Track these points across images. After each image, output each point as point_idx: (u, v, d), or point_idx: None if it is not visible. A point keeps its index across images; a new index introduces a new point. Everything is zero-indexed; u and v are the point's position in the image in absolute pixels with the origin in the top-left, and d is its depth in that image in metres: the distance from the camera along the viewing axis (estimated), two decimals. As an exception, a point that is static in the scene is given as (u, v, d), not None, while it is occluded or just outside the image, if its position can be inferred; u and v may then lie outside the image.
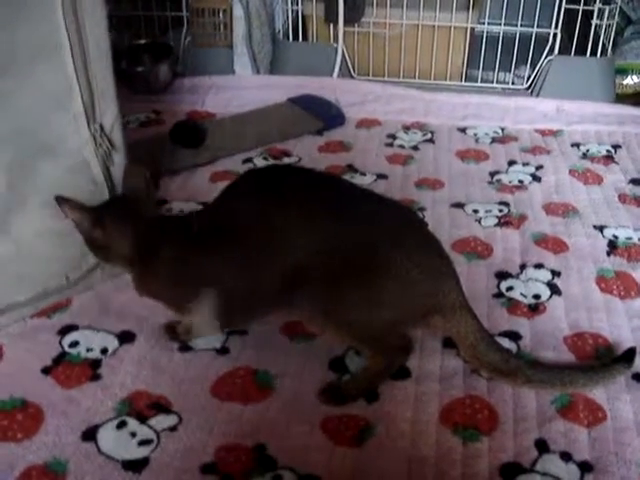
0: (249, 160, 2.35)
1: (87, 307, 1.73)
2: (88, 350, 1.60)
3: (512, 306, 1.75)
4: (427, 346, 1.62)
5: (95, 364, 1.57)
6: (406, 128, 2.62)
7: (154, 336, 1.65)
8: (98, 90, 1.63)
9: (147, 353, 1.60)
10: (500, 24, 2.86)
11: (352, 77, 2.93)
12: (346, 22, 2.81)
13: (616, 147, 2.51)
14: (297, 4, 2.89)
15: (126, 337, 1.64)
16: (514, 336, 1.65)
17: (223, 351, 1.61)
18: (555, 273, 1.86)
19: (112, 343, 1.62)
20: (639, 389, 1.52)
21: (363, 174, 2.31)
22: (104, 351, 1.60)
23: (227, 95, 2.78)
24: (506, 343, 1.62)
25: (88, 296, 1.76)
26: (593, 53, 2.82)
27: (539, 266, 1.88)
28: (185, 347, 1.62)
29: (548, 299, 1.77)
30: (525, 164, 2.38)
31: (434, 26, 2.85)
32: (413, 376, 1.55)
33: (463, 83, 2.95)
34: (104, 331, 1.66)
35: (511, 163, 2.39)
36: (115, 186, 1.73)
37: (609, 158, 2.44)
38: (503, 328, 1.68)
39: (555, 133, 2.60)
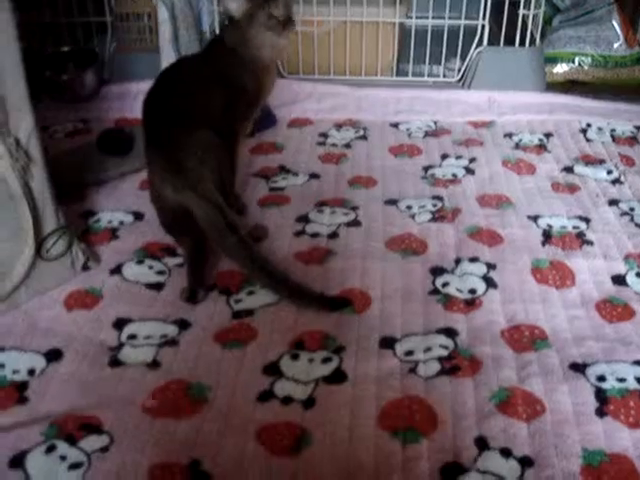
0: (179, 166, 2.29)
1: (12, 327, 1.67)
2: (14, 372, 1.55)
3: (448, 302, 1.73)
4: (362, 346, 1.60)
5: (22, 387, 1.51)
6: (338, 126, 2.59)
7: (82, 352, 1.60)
8: (10, 103, 1.57)
9: (75, 371, 1.55)
10: (428, 17, 2.83)
11: (282, 76, 2.88)
12: (273, 21, 2.77)
13: (548, 136, 2.52)
14: (219, 3, 2.83)
15: (53, 355, 1.59)
16: (451, 333, 1.64)
17: (154, 365, 1.56)
18: (490, 266, 1.85)
19: (39, 363, 1.57)
20: (576, 379, 1.51)
21: (295, 174, 2.28)
22: (31, 372, 1.55)
23: (156, 100, 2.72)
24: (443, 340, 1.62)
25: (13, 315, 1.70)
26: (522, 43, 2.82)
27: (474, 260, 1.87)
28: (115, 362, 1.57)
29: (484, 293, 1.76)
30: (458, 157, 2.37)
31: (362, 22, 2.82)
32: (349, 379, 1.52)
33: (394, 78, 2.92)
34: (31, 351, 1.60)
35: (444, 157, 2.38)
36: (35, 201, 1.67)
37: (541, 147, 2.44)
38: (440, 325, 1.66)
39: (487, 124, 2.60)
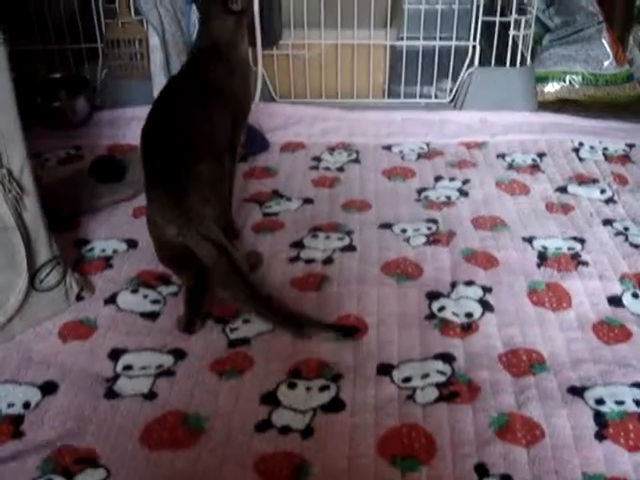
0: (172, 192, 2.29)
1: (7, 359, 1.66)
2: (9, 406, 1.53)
3: (444, 327, 1.72)
4: (360, 374, 1.59)
5: (17, 420, 1.50)
6: (331, 149, 2.59)
7: (78, 384, 1.58)
8: (2, 134, 1.57)
9: (71, 403, 1.53)
10: (419, 39, 2.84)
11: (274, 100, 2.89)
12: (264, 45, 2.77)
13: (541, 155, 2.52)
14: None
15: (49, 388, 1.57)
16: (448, 358, 1.63)
17: (151, 396, 1.55)
18: (486, 289, 1.84)
19: (35, 396, 1.55)
20: (575, 403, 1.51)
21: (289, 199, 2.27)
22: (26, 405, 1.53)
23: (148, 126, 2.71)
24: (440, 366, 1.61)
25: (8, 347, 1.69)
26: (513, 63, 2.83)
27: (470, 283, 1.87)
28: (111, 393, 1.56)
29: (480, 317, 1.76)
30: (452, 179, 2.37)
31: (353, 45, 2.83)
32: (347, 408, 1.51)
33: (386, 100, 2.92)
34: (26, 384, 1.59)
35: (438, 179, 2.38)
36: (29, 231, 1.66)
37: (535, 167, 2.45)
38: (436, 350, 1.65)
39: (480, 145, 2.60)
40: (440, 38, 2.84)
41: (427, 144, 2.62)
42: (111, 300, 1.84)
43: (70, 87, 2.78)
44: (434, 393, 1.54)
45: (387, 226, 2.12)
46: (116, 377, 1.60)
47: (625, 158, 2.51)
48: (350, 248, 2.02)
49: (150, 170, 1.78)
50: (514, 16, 2.75)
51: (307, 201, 2.27)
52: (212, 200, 1.75)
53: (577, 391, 1.53)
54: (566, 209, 2.19)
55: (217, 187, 1.81)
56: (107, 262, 1.98)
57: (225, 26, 1.92)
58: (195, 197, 1.70)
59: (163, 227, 1.71)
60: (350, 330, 1.72)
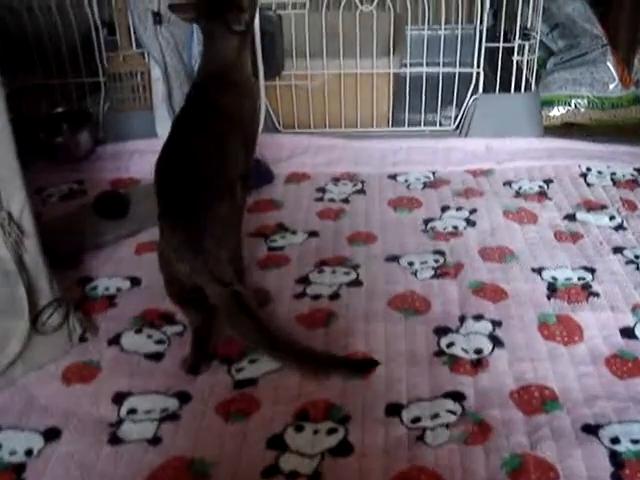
0: (176, 227, 2.27)
1: (9, 405, 1.62)
2: (11, 454, 1.50)
3: (454, 364, 1.69)
4: (368, 415, 1.56)
5: (19, 469, 1.46)
6: (335, 180, 2.57)
7: (81, 429, 1.55)
8: (1, 177, 1.55)
9: (74, 450, 1.50)
10: (422, 66, 2.82)
11: (278, 131, 2.87)
12: (267, 77, 2.75)
13: (548, 182, 2.49)
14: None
15: (52, 434, 1.54)
16: (458, 397, 1.59)
17: (155, 441, 1.52)
18: (496, 323, 1.81)
19: (37, 443, 1.52)
20: (589, 442, 1.47)
21: (294, 232, 2.25)
22: (29, 452, 1.50)
23: (151, 159, 2.63)
24: (450, 405, 1.57)
25: (10, 392, 1.66)
26: (517, 88, 2.80)
27: (479, 317, 1.83)
28: (115, 439, 1.52)
29: (490, 352, 1.72)
30: (459, 209, 2.34)
31: (356, 74, 2.81)
32: (356, 451, 1.47)
33: (390, 128, 2.90)
34: (28, 430, 1.55)
35: (444, 209, 2.35)
36: (30, 274, 1.64)
37: (542, 194, 2.42)
38: (446, 389, 1.62)
39: (486, 172, 2.58)
40: (444, 64, 2.82)
41: (433, 173, 2.59)
42: (115, 341, 1.81)
43: (73, 121, 2.77)
44: (445, 434, 1.50)
45: (394, 259, 2.09)
46: (120, 422, 1.57)
47: (633, 183, 2.48)
48: (357, 283, 1.99)
49: (165, 205, 1.73)
50: (518, 41, 2.73)
51: (312, 234, 2.24)
52: (227, 240, 1.71)
53: (591, 429, 1.49)
54: (575, 238, 2.16)
55: (232, 225, 1.76)
56: (110, 301, 1.95)
57: (229, 47, 1.83)
58: (211, 238, 1.65)
59: (176, 265, 1.67)
60: (365, 364, 1.69)
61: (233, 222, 1.78)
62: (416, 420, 1.54)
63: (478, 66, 2.77)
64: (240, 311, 1.64)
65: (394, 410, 1.57)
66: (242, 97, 1.87)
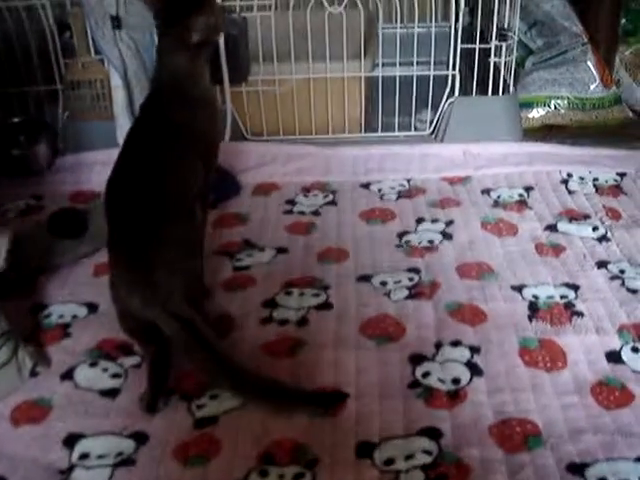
0: (136, 246, 2.15)
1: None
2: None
3: (430, 396, 1.58)
4: (337, 457, 1.44)
5: (-42, 526, 1.35)
6: (306, 190, 2.45)
7: (29, 478, 1.43)
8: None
9: (20, 503, 1.39)
10: (395, 67, 2.71)
11: (245, 139, 2.75)
12: (232, 82, 2.64)
13: (528, 189, 2.39)
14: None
15: (-4, 483, 1.42)
16: (434, 434, 1.48)
17: (106, 493, 1.40)
18: (474, 350, 1.70)
19: (-20, 492, 1.40)
20: (576, 483, 1.36)
21: (261, 250, 2.13)
22: (-30, 505, 1.38)
23: (112, 170, 2.57)
24: (426, 443, 1.46)
25: (-47, 436, 1.54)
26: (495, 91, 2.70)
27: (456, 343, 1.73)
28: (64, 489, 1.41)
29: (468, 382, 1.61)
30: (434, 220, 2.23)
31: (326, 78, 2.69)
32: (324, 500, 1.36)
33: (363, 134, 2.79)
34: (-29, 478, 1.44)
35: (419, 220, 2.24)
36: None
37: (522, 203, 2.31)
38: (421, 424, 1.51)
39: (463, 180, 2.47)
40: (418, 64, 2.71)
41: (408, 180, 2.48)
42: (68, 375, 1.68)
43: (30, 132, 2.64)
44: (420, 477, 1.39)
45: (366, 278, 1.97)
46: (71, 468, 1.45)
47: (617, 189, 2.38)
48: (326, 306, 1.87)
49: (114, 232, 1.62)
50: (495, 42, 2.63)
51: (281, 251, 2.12)
52: (182, 267, 1.59)
53: (577, 469, 1.39)
54: (557, 251, 2.06)
55: (189, 249, 1.64)
56: (65, 330, 1.83)
57: (183, 60, 1.71)
58: (163, 269, 1.54)
59: (127, 298, 1.56)
60: (333, 398, 1.58)
61: (191, 245, 1.66)
62: (389, 462, 1.42)
63: (454, 68, 2.66)
64: (197, 345, 1.52)
65: (365, 450, 1.45)
66: (198, 109, 1.76)
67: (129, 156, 1.69)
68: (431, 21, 2.72)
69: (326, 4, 2.59)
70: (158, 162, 1.66)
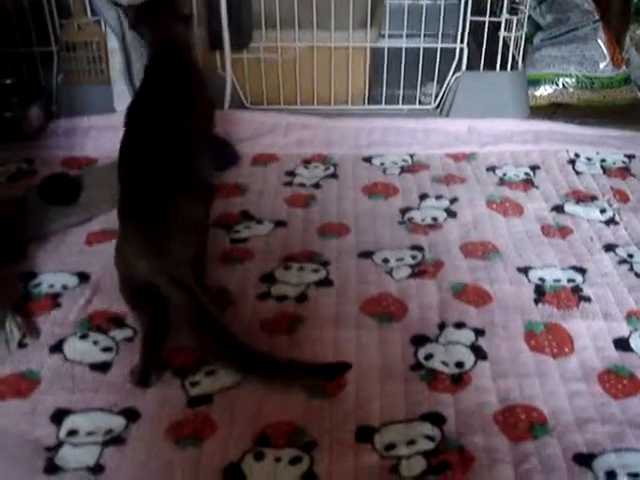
0: (131, 215, 2.08)
1: None
2: None
3: (433, 379, 1.53)
4: (336, 440, 1.39)
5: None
6: (306, 162, 2.39)
7: (15, 455, 1.38)
8: None
9: (6, 479, 1.33)
10: (401, 39, 2.64)
11: (245, 107, 2.68)
12: (233, 48, 2.56)
13: (534, 168, 2.33)
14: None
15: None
16: (437, 419, 1.43)
17: (97, 469, 1.34)
18: (478, 332, 1.66)
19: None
20: (582, 475, 1.32)
21: (260, 222, 2.07)
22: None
23: (108, 137, 2.45)
24: (428, 429, 1.42)
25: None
26: (503, 67, 2.63)
27: (460, 325, 1.68)
28: (52, 467, 1.35)
29: (473, 366, 1.57)
30: (438, 197, 2.17)
31: (330, 47, 2.62)
32: (322, 485, 1.31)
33: (366, 106, 2.72)
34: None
35: (423, 197, 2.18)
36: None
37: (528, 182, 2.26)
38: (424, 409, 1.46)
39: (468, 157, 2.41)
40: (425, 36, 2.64)
41: (411, 156, 2.42)
42: (57, 348, 1.63)
43: (23, 94, 2.56)
44: (422, 464, 1.34)
45: (367, 255, 1.91)
46: (59, 445, 1.40)
47: (625, 171, 2.33)
48: (326, 282, 1.82)
49: (130, 198, 1.62)
50: (505, 16, 2.55)
51: (279, 224, 2.06)
52: (192, 239, 1.60)
53: (584, 460, 1.35)
54: (564, 232, 2.01)
55: (199, 223, 1.65)
56: (55, 300, 1.77)
57: (180, 31, 1.87)
58: (175, 239, 1.54)
59: (134, 261, 1.54)
60: (335, 369, 1.54)
61: (202, 219, 1.66)
62: (390, 447, 1.38)
63: (462, 41, 2.59)
64: (199, 316, 1.49)
65: (365, 434, 1.41)
66: (201, 75, 1.88)
67: (143, 123, 1.72)
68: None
69: (334, -30, 2.51)
70: (173, 131, 1.69)
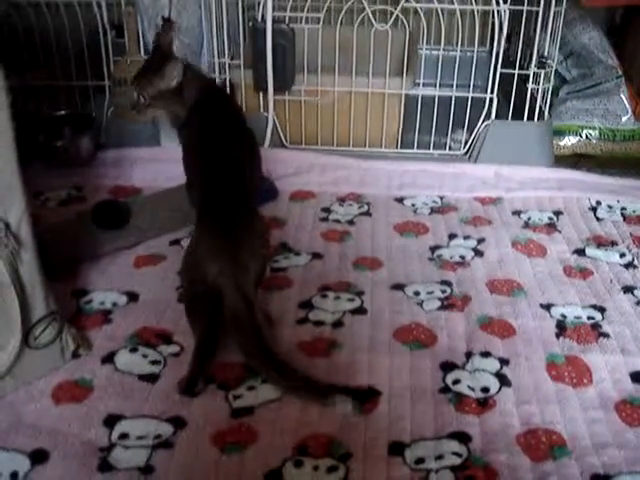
0: (176, 242, 2.20)
1: (-4, 421, 1.56)
2: (-5, 476, 1.43)
3: (460, 402, 1.63)
4: (370, 453, 1.49)
5: (3, 493, 1.40)
6: (341, 200, 2.51)
7: (70, 453, 1.48)
8: (0, 185, 1.48)
9: (62, 476, 1.43)
10: (435, 87, 2.77)
11: (284, 147, 2.81)
12: (276, 90, 2.70)
13: (558, 214, 2.44)
14: (225, 72, 2.76)
15: (39, 457, 1.47)
16: (463, 438, 1.53)
17: (147, 470, 1.45)
18: (503, 361, 1.75)
19: (23, 465, 1.45)
20: (599, 496, 1.41)
21: (298, 254, 2.18)
22: (14, 476, 1.42)
23: (154, 168, 2.62)
24: (456, 446, 1.51)
25: (-4, 408, 1.59)
26: (530, 117, 2.75)
27: (486, 354, 1.77)
28: (105, 466, 1.45)
29: (497, 392, 1.66)
30: (466, 237, 2.28)
31: (367, 93, 2.75)
32: (356, 494, 1.41)
33: (399, 150, 2.84)
34: (14, 450, 1.48)
35: (452, 236, 2.29)
36: (24, 287, 1.57)
37: (551, 226, 2.36)
38: (452, 429, 1.56)
39: (495, 201, 2.52)
40: (457, 85, 2.77)
41: (440, 198, 2.53)
42: (109, 359, 1.74)
43: (75, 125, 2.71)
44: (449, 477, 1.44)
45: (399, 287, 2.03)
46: (111, 446, 1.50)
47: (644, 219, 2.43)
48: (361, 311, 1.93)
49: (211, 206, 1.84)
50: (534, 69, 2.68)
51: (316, 256, 2.18)
52: (258, 258, 1.80)
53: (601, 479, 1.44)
54: (585, 274, 2.11)
55: (263, 241, 1.91)
56: (106, 317, 1.89)
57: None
58: (248, 251, 1.75)
59: (206, 263, 1.71)
60: (367, 394, 1.64)
61: (264, 237, 1.94)
62: (420, 461, 1.47)
63: (492, 91, 2.71)
64: (252, 328, 1.65)
65: (397, 449, 1.50)
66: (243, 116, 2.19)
67: (217, 148, 1.96)
68: (466, 45, 2.79)
69: (374, 21, 2.65)
70: (239, 151, 1.97)
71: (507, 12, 2.61)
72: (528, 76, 2.71)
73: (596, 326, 1.89)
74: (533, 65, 2.67)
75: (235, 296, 1.65)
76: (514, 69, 2.73)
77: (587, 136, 2.96)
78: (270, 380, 1.64)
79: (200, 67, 2.09)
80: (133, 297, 1.96)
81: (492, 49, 2.71)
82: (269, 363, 1.62)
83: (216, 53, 2.71)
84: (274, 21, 2.59)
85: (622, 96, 2.96)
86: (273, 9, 2.60)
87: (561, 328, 1.88)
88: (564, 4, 2.61)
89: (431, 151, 2.84)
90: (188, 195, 2.02)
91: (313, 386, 1.62)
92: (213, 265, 1.69)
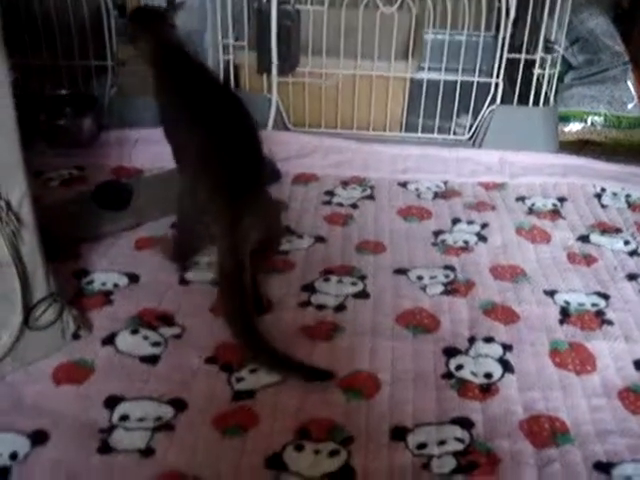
0: (178, 223, 2.19)
1: (-5, 402, 1.55)
2: (-4, 455, 1.42)
3: (462, 388, 1.62)
4: (372, 438, 1.49)
5: (3, 473, 1.38)
6: (344, 183, 2.49)
7: (70, 434, 1.48)
8: (2, 165, 1.47)
9: (62, 456, 1.43)
10: (440, 71, 2.75)
11: (287, 129, 2.79)
12: (280, 72, 2.68)
13: (562, 200, 2.43)
14: (228, 53, 2.74)
15: (39, 437, 1.46)
16: (466, 423, 1.53)
17: (148, 452, 1.44)
18: (506, 347, 1.75)
19: (23, 446, 1.44)
20: (603, 482, 1.40)
21: (300, 237, 2.17)
22: (13, 456, 1.42)
23: (156, 149, 2.57)
24: (458, 432, 1.50)
25: (-3, 388, 1.58)
26: (536, 102, 2.73)
27: (489, 340, 1.77)
28: (105, 447, 1.45)
29: (500, 378, 1.66)
30: (470, 222, 2.27)
31: (372, 76, 2.73)
32: (358, 476, 1.40)
33: (403, 134, 2.83)
34: (14, 431, 1.48)
35: (455, 221, 2.28)
36: (25, 267, 1.56)
37: (555, 213, 2.35)
38: (454, 414, 1.55)
39: (499, 186, 2.50)
40: (462, 70, 2.75)
41: (444, 182, 2.52)
42: (109, 340, 1.73)
43: (77, 105, 2.69)
44: (452, 463, 1.43)
45: (402, 272, 2.02)
46: (111, 428, 1.49)
47: (649, 207, 2.42)
48: (363, 295, 1.92)
49: (223, 162, 1.82)
50: (540, 54, 2.66)
51: (319, 239, 2.16)
52: (261, 224, 1.81)
53: (604, 467, 1.43)
54: (589, 261, 2.10)
55: (275, 210, 2.04)
56: (107, 297, 1.88)
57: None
58: (251, 216, 1.76)
59: (205, 204, 1.78)
60: (321, 374, 1.62)
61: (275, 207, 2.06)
62: (422, 446, 1.47)
63: (497, 76, 2.69)
64: (233, 284, 1.70)
65: (399, 434, 1.50)
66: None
67: (222, 115, 1.92)
68: (471, 29, 2.77)
69: (380, 4, 2.62)
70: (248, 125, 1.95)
71: (514, -3, 2.59)
72: (534, 61, 2.69)
73: (600, 313, 1.88)
74: (540, 50, 2.65)
75: (223, 246, 1.72)
76: (520, 54, 2.71)
77: (592, 122, 2.94)
78: (247, 347, 1.68)
79: (178, 40, 2.04)
80: (134, 278, 1.95)
81: (498, 34, 2.69)
82: (240, 327, 1.67)
83: (220, 34, 2.69)
84: (279, 2, 2.56)
85: (628, 83, 2.94)
86: (278, -11, 2.58)
87: (565, 315, 1.87)
88: (571, -11, 2.59)
89: (435, 135, 2.82)
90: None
91: (278, 359, 1.64)
92: (219, 220, 1.74)
